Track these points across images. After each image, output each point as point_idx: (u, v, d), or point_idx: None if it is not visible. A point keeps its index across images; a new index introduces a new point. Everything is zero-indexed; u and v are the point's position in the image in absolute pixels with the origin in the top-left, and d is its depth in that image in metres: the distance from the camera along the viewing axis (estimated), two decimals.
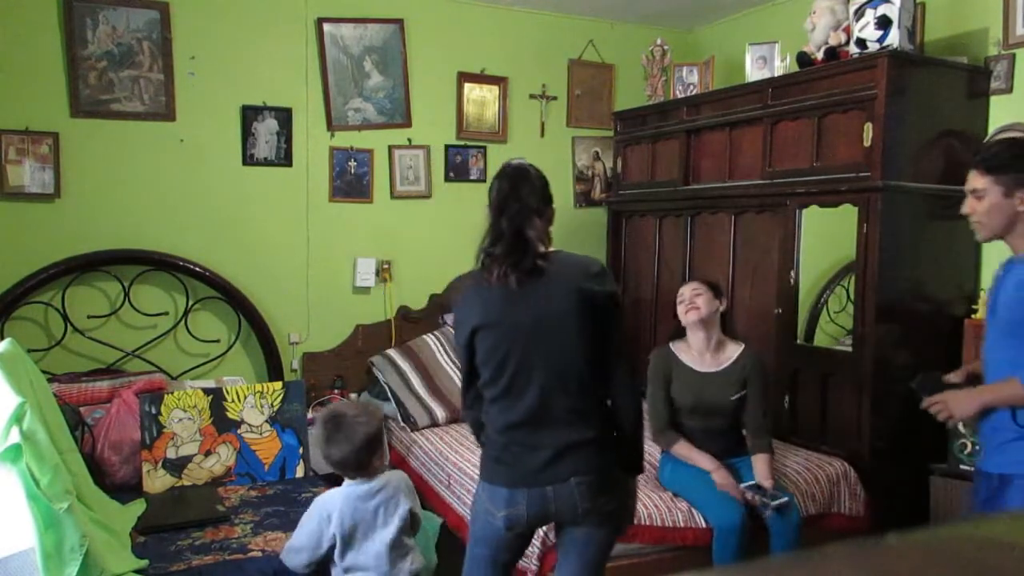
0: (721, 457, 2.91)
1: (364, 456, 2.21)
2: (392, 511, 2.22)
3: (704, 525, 2.79)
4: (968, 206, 2.18)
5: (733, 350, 3.00)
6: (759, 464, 2.85)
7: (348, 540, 2.19)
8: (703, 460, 2.85)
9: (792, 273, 3.45)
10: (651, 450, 3.37)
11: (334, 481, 3.35)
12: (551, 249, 2.04)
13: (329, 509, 2.21)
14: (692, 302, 2.95)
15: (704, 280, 3.08)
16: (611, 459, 2.02)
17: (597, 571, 2.08)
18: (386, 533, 2.19)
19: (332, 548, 2.22)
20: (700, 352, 2.98)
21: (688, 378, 2.94)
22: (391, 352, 4.16)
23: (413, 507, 2.26)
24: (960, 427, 3.04)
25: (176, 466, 3.11)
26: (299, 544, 2.26)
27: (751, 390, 2.94)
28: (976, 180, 2.15)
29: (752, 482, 2.81)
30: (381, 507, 2.21)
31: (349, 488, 2.24)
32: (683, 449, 2.90)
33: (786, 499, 2.74)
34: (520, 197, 1.99)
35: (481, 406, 2.07)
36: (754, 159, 3.68)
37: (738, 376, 2.94)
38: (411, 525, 2.28)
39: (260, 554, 2.46)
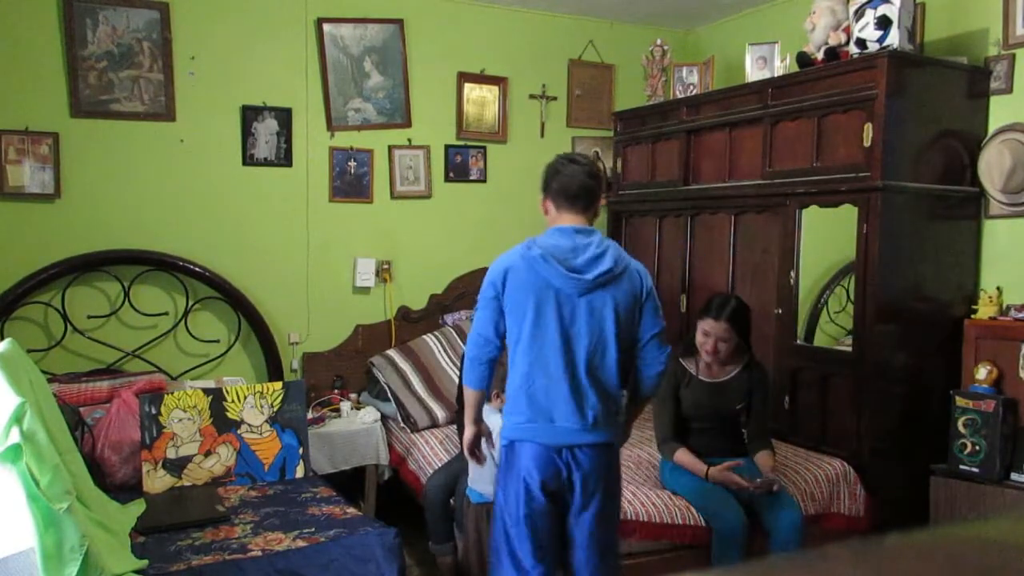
0: (723, 456, 2.92)
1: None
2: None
3: (703, 524, 2.80)
4: None
5: (738, 361, 3.02)
6: (763, 459, 2.91)
7: None
8: (699, 467, 2.87)
9: (792, 273, 3.45)
10: (654, 451, 3.37)
11: (335, 482, 3.37)
12: None
13: None
14: (715, 347, 2.92)
15: (734, 320, 2.92)
16: None
17: None
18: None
19: None
20: (708, 364, 3.01)
21: (697, 387, 3.00)
22: (391, 352, 4.15)
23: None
24: (960, 427, 3.05)
25: (176, 466, 3.10)
26: None
27: (756, 400, 3.00)
28: None
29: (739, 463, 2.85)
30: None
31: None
32: (683, 456, 2.91)
33: (772, 479, 2.79)
34: None
35: None
36: (754, 159, 3.68)
37: (744, 385, 2.99)
38: None
39: (260, 554, 2.46)
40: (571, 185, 2.30)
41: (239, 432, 3.22)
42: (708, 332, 2.92)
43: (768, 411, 3.09)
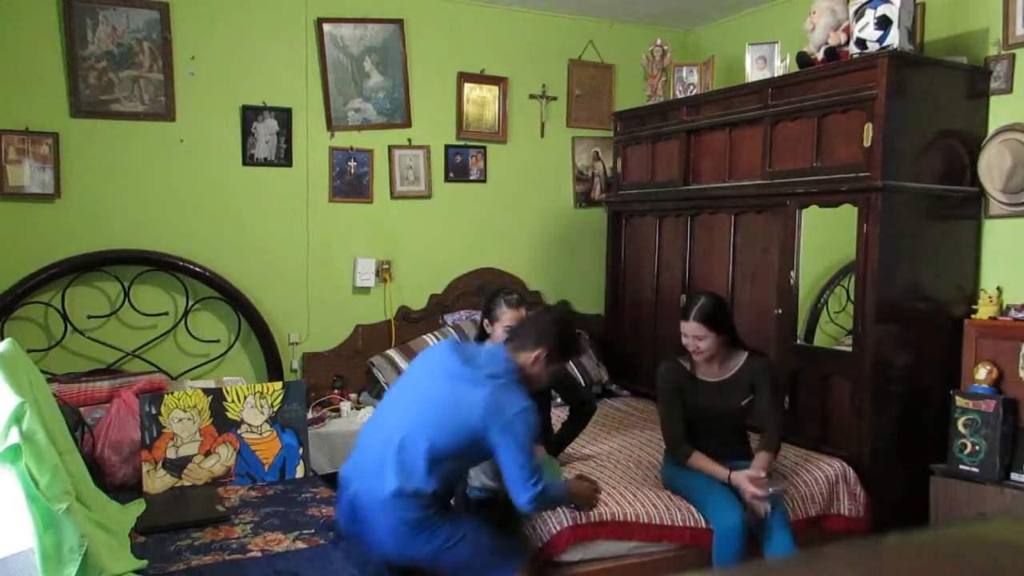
0: (729, 461, 2.90)
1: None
2: None
3: (703, 525, 2.79)
4: None
5: (739, 357, 2.99)
6: (757, 459, 2.85)
7: None
8: (718, 469, 2.84)
9: (792, 273, 3.45)
10: (654, 452, 3.36)
11: (335, 482, 3.36)
12: None
13: None
14: (696, 347, 2.91)
15: (704, 318, 2.89)
16: None
17: None
18: None
19: None
20: (708, 365, 2.98)
21: (699, 388, 2.96)
22: (391, 352, 4.16)
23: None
24: (960, 427, 3.05)
25: (176, 466, 3.10)
26: None
27: (760, 395, 2.93)
28: None
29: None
30: None
31: None
32: (700, 460, 2.87)
33: (779, 488, 2.80)
34: None
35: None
36: (754, 159, 3.68)
37: (746, 382, 2.95)
38: None
39: (260, 554, 2.46)
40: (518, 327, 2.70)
41: (239, 432, 3.22)
42: (685, 333, 2.94)
43: (772, 405, 2.93)
